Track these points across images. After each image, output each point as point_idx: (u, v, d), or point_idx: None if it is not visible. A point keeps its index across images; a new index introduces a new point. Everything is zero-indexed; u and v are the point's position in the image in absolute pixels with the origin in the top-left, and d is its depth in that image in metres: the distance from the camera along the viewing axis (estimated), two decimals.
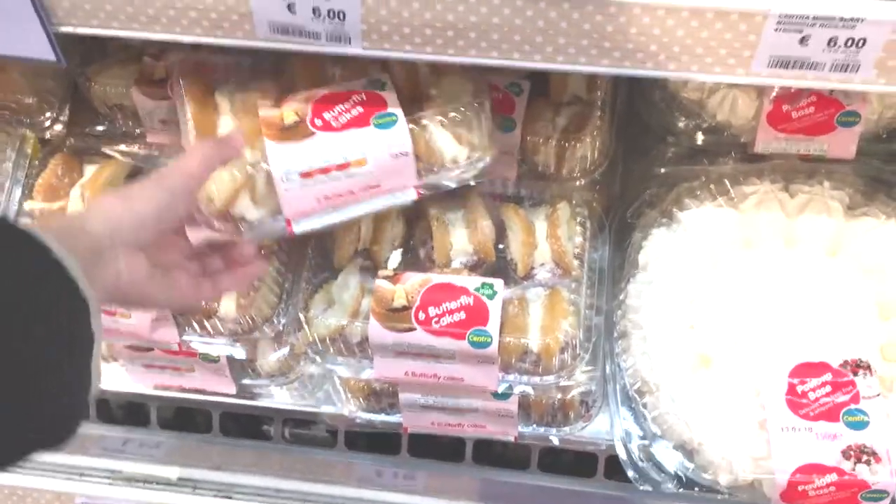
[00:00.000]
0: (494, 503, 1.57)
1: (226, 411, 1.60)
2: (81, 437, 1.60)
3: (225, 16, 1.03)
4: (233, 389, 1.54)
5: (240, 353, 1.42)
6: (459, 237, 1.40)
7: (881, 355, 1.30)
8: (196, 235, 1.16)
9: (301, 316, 1.37)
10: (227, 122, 1.29)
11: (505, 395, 1.38)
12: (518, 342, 1.30)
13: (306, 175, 1.17)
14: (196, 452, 1.61)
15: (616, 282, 1.46)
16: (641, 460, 1.36)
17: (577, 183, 1.48)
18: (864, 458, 1.20)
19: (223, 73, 1.34)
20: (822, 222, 1.37)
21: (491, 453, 1.58)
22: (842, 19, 0.92)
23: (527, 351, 1.31)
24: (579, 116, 1.46)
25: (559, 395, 1.39)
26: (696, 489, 1.31)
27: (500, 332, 1.28)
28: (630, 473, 1.37)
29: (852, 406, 1.23)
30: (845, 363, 1.26)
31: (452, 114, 1.22)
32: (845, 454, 1.20)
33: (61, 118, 1.55)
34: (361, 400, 1.50)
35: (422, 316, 1.28)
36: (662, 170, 1.53)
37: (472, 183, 1.29)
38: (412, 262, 1.42)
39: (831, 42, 0.94)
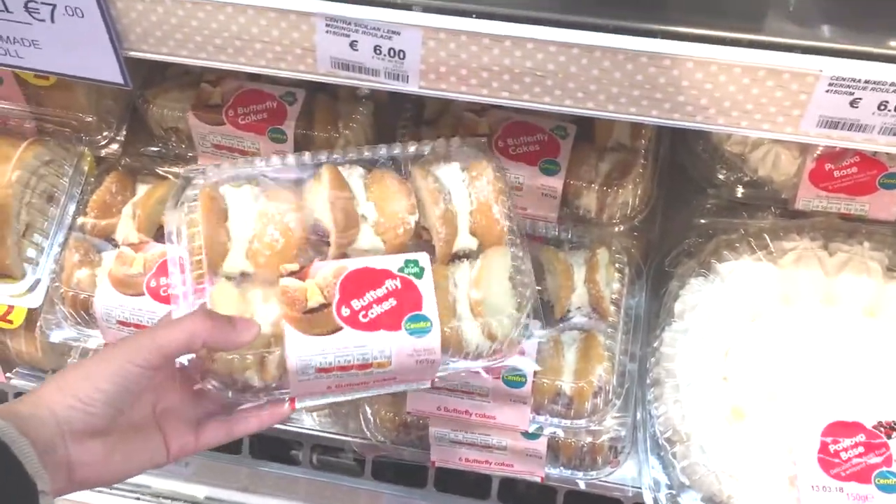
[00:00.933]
0: None
1: (256, 434, 1.61)
2: None
3: (289, 49, 1.06)
4: None
5: None
6: None
7: None
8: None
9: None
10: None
11: (535, 436, 1.39)
12: (552, 383, 1.31)
13: (324, 370, 1.08)
14: (224, 473, 1.62)
15: (651, 329, 1.46)
16: None
17: (618, 229, 1.50)
18: None
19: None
20: (860, 282, 1.38)
21: (516, 492, 1.59)
22: (893, 84, 0.94)
23: (560, 393, 1.32)
24: (622, 163, 1.48)
25: (589, 439, 1.39)
26: None
27: (535, 373, 1.29)
28: None
29: (884, 469, 1.23)
30: (879, 425, 1.26)
31: (491, 324, 1.13)
32: None
33: (118, 138, 1.60)
34: (391, 431, 1.51)
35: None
36: (702, 220, 1.55)
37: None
38: None
39: (882, 105, 0.96)
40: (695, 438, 1.31)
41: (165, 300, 1.37)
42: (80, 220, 1.50)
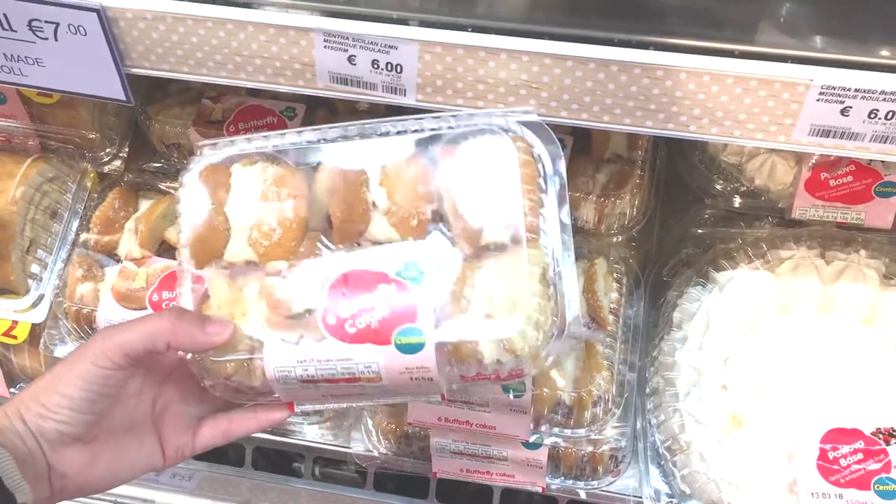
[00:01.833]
0: None
1: (259, 446, 1.62)
2: None
3: (288, 64, 1.08)
4: None
5: None
6: None
7: None
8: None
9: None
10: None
11: (535, 445, 1.39)
12: (551, 393, 1.32)
13: (308, 381, 0.99)
14: (227, 486, 1.63)
15: (650, 338, 1.47)
16: None
17: (615, 239, 1.51)
18: None
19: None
20: (857, 290, 1.38)
21: (517, 503, 1.59)
22: (883, 92, 0.95)
23: (559, 402, 1.33)
24: (620, 174, 1.49)
25: (589, 449, 1.40)
26: None
27: (534, 383, 1.30)
28: None
29: (884, 475, 1.23)
30: (878, 431, 1.26)
31: (503, 338, 0.96)
32: None
33: (121, 154, 1.62)
34: (392, 442, 1.52)
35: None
36: (699, 230, 1.56)
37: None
38: None
39: (872, 114, 0.97)
40: (695, 447, 1.32)
41: None
42: (83, 235, 1.52)
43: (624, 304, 1.43)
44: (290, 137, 1.07)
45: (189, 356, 1.01)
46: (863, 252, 1.43)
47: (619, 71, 1.00)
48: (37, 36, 1.11)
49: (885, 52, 0.97)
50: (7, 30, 1.11)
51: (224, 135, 1.50)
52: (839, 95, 0.96)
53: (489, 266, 0.99)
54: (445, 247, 1.00)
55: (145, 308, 1.39)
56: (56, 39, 1.10)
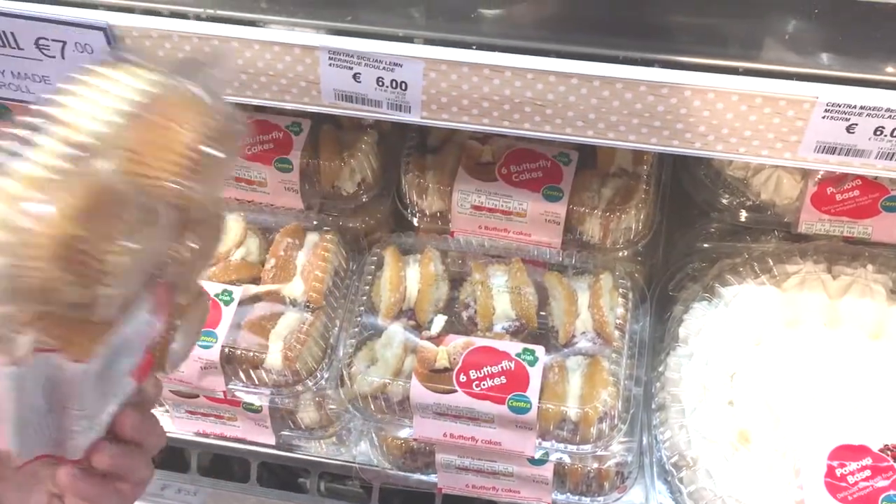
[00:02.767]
0: None
1: (264, 461, 1.62)
2: None
3: (294, 82, 1.08)
4: (272, 440, 1.56)
5: (284, 403, 1.45)
6: (502, 302, 1.42)
7: None
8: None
9: (344, 371, 1.40)
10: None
11: (541, 462, 1.39)
12: (557, 409, 1.31)
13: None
14: (232, 501, 1.63)
15: (656, 353, 1.47)
16: None
17: (621, 254, 1.50)
18: None
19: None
20: (864, 305, 1.38)
21: None
22: (888, 110, 0.95)
23: (565, 418, 1.33)
24: (625, 188, 1.49)
25: (595, 465, 1.39)
26: None
27: (540, 399, 1.30)
28: None
29: (892, 492, 1.22)
30: (886, 448, 1.26)
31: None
32: None
33: None
34: (398, 458, 1.51)
35: (463, 378, 1.30)
36: (705, 245, 1.56)
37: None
38: (455, 323, 1.44)
39: (878, 131, 0.97)
40: (701, 463, 1.31)
41: None
42: None
43: (630, 319, 1.43)
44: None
45: None
46: (870, 267, 1.42)
47: (624, 88, 1.00)
48: (44, 54, 1.12)
49: (890, 70, 0.97)
50: (14, 48, 1.12)
51: None
52: (845, 113, 0.96)
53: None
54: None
55: None
56: (63, 57, 1.11)
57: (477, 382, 1.30)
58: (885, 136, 0.97)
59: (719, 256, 1.52)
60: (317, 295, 1.45)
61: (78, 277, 0.73)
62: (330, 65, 1.05)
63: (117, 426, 0.88)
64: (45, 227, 0.70)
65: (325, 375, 1.44)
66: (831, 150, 1.00)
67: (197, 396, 1.51)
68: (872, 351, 1.36)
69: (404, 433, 1.40)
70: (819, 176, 1.37)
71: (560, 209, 1.45)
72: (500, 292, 1.43)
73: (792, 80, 0.97)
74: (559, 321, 1.42)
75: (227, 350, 1.39)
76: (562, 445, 1.35)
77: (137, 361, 0.86)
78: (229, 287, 1.44)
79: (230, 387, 1.43)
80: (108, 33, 1.07)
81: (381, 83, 1.06)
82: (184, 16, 1.07)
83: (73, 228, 0.71)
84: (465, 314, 1.45)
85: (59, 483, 0.86)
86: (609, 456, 1.38)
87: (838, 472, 1.24)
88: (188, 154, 0.78)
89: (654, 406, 1.42)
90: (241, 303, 1.43)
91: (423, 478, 1.50)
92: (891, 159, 1.00)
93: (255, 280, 1.48)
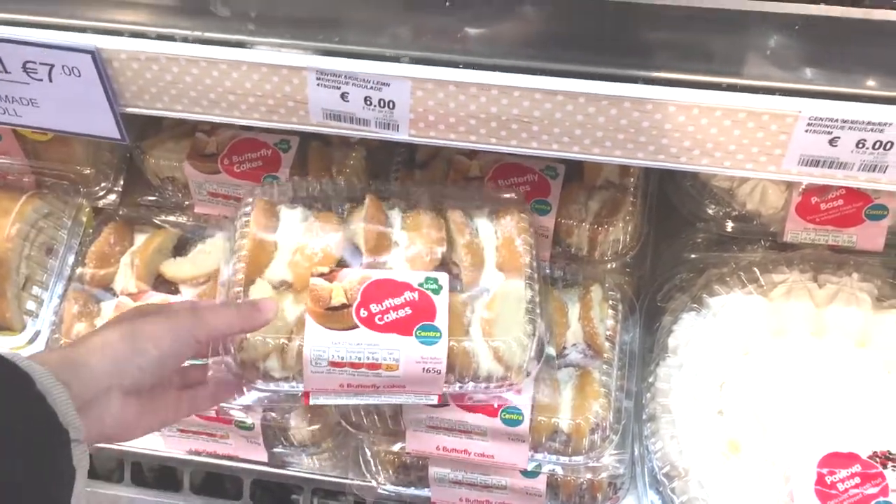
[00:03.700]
0: None
1: (257, 478, 1.62)
2: (113, 499, 1.64)
3: (282, 102, 1.09)
4: (265, 457, 1.56)
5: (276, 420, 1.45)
6: None
7: None
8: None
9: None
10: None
11: (534, 474, 1.39)
12: (549, 421, 1.32)
13: (336, 364, 1.18)
14: None
15: (646, 364, 1.48)
16: None
17: (609, 266, 1.52)
18: None
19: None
20: (850, 313, 1.39)
21: None
22: (870, 123, 0.96)
23: (557, 430, 1.33)
24: (612, 201, 1.50)
25: (588, 476, 1.40)
26: None
27: (532, 411, 1.30)
28: None
29: (882, 499, 1.23)
30: (874, 455, 1.27)
31: (499, 344, 1.22)
32: None
33: (115, 188, 1.63)
34: (391, 472, 1.52)
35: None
36: (692, 255, 1.57)
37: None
38: None
39: (860, 144, 0.98)
40: (693, 473, 1.32)
41: None
42: (78, 270, 1.52)
43: (620, 330, 1.44)
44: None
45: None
46: (855, 275, 1.44)
47: (610, 105, 1.01)
48: (31, 77, 1.12)
49: (870, 84, 0.99)
50: (1, 71, 1.12)
51: (219, 168, 1.51)
52: (827, 126, 0.98)
53: (485, 297, 1.27)
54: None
55: None
56: (51, 80, 1.11)
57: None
58: (867, 148, 0.99)
59: (706, 266, 1.53)
60: None
61: None
62: (318, 85, 1.06)
63: None
64: None
65: None
66: (815, 162, 1.01)
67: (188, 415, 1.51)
68: (859, 359, 1.37)
69: (397, 447, 1.39)
70: (803, 186, 1.38)
71: (548, 222, 1.46)
72: None
73: (775, 94, 0.99)
74: (550, 333, 1.42)
75: None
76: (554, 457, 1.36)
77: None
78: None
79: (222, 404, 1.43)
80: (96, 56, 1.07)
81: (368, 102, 1.07)
82: (171, 38, 1.08)
83: None
84: None
85: None
86: (601, 467, 1.38)
87: (828, 479, 1.25)
88: None
89: (644, 417, 1.42)
90: None
91: (417, 492, 1.50)
92: (873, 171, 1.02)
93: None
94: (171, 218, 1.59)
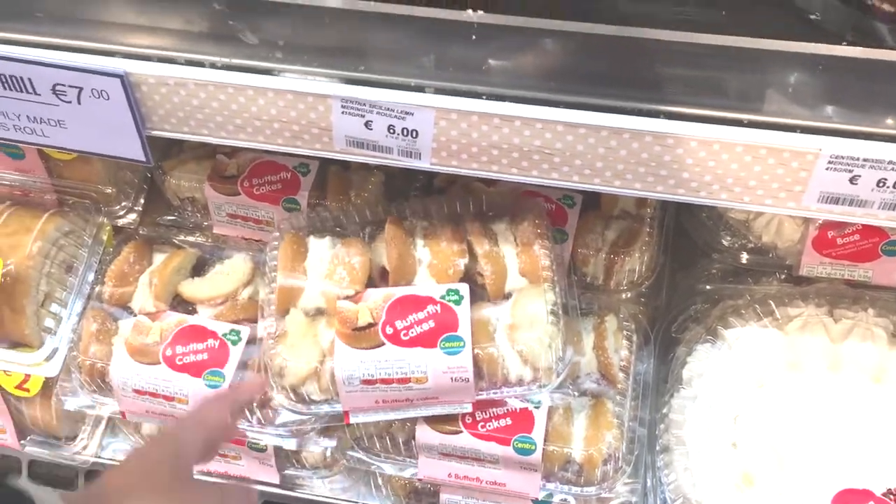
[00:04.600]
0: None
1: (267, 500, 1.62)
2: None
3: (306, 128, 1.10)
4: (276, 479, 1.56)
5: (290, 444, 1.45)
6: None
7: None
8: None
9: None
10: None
11: (545, 503, 1.39)
12: (561, 451, 1.32)
13: (368, 382, 1.25)
14: None
15: (659, 395, 1.48)
16: None
17: (625, 295, 1.52)
18: None
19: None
20: (866, 349, 1.39)
21: None
22: (891, 162, 0.97)
23: (570, 460, 1.33)
24: (628, 231, 1.51)
25: None
26: None
27: (545, 440, 1.30)
28: None
29: None
30: (889, 492, 1.26)
31: (522, 347, 1.26)
32: None
33: (136, 208, 1.64)
34: (402, 497, 1.51)
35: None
36: (707, 286, 1.57)
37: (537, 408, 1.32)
38: None
39: (881, 183, 0.99)
40: None
41: (181, 368, 1.39)
42: (97, 288, 1.53)
43: (634, 360, 1.44)
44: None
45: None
46: (871, 310, 1.43)
47: (631, 139, 1.02)
48: (60, 99, 1.14)
49: (891, 122, 0.99)
50: (31, 93, 1.14)
51: (238, 190, 1.52)
52: (848, 164, 0.98)
53: (508, 302, 1.32)
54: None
55: (158, 363, 1.40)
56: (79, 103, 1.13)
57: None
58: (888, 187, 0.99)
59: (721, 298, 1.53)
60: None
61: None
62: (343, 112, 1.07)
63: None
64: None
65: None
66: (834, 200, 1.02)
67: None
68: (875, 394, 1.37)
69: (409, 473, 1.40)
70: (820, 220, 1.38)
71: (564, 251, 1.46)
72: None
73: (796, 132, 0.99)
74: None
75: None
76: (566, 487, 1.36)
77: None
78: (237, 326, 1.45)
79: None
80: (125, 81, 1.08)
81: (392, 131, 1.08)
82: (200, 64, 1.09)
83: None
84: None
85: None
86: (613, 497, 1.38)
87: None
88: None
89: (658, 448, 1.42)
90: (248, 342, 1.44)
91: None
92: (893, 209, 1.02)
93: None
94: (191, 238, 1.60)
